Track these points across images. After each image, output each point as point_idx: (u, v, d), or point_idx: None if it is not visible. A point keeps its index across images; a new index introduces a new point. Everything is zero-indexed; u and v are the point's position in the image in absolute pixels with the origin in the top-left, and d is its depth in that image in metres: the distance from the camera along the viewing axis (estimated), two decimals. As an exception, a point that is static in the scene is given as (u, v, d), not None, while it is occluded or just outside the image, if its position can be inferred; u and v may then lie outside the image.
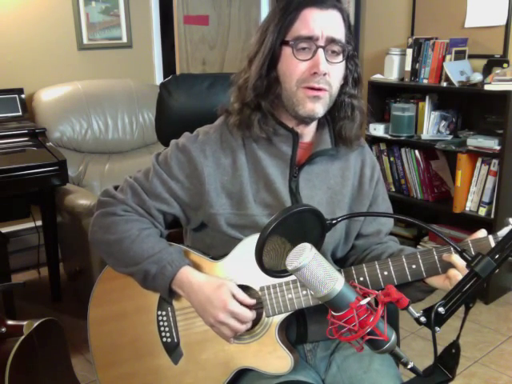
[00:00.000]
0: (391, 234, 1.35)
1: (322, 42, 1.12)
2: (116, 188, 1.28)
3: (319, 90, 1.14)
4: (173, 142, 1.27)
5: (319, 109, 1.16)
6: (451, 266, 1.04)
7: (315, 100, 1.14)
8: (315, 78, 1.12)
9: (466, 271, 0.99)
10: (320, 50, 1.12)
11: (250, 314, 1.13)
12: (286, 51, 1.14)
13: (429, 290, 1.12)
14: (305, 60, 1.12)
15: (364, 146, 1.31)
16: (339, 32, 1.14)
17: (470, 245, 1.03)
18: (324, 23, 1.12)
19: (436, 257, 1.06)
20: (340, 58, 1.15)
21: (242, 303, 1.13)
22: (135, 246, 1.19)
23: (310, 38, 1.11)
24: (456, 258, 1.02)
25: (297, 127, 1.21)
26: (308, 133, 1.24)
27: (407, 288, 1.11)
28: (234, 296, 1.13)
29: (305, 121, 1.20)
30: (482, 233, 1.06)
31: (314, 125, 1.24)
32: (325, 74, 1.12)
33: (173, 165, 1.22)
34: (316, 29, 1.11)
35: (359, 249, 1.29)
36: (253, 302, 1.14)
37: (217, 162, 1.21)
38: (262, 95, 1.17)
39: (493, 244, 1.02)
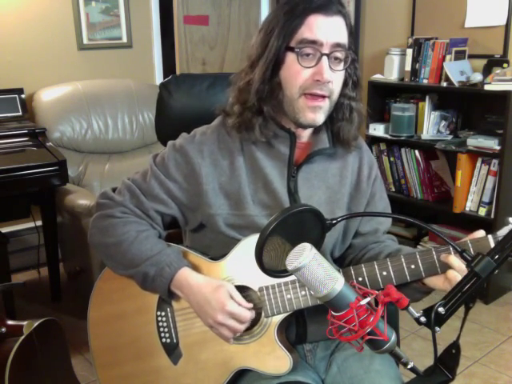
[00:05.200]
0: (391, 233, 1.35)
1: (326, 50, 1.12)
2: (114, 190, 1.27)
3: (321, 97, 1.14)
4: (170, 142, 1.27)
5: (320, 118, 1.16)
6: (450, 266, 1.03)
7: (316, 110, 1.15)
8: (318, 85, 1.12)
9: (465, 271, 0.99)
10: (324, 58, 1.11)
11: (248, 314, 1.13)
12: (290, 57, 1.14)
13: (426, 290, 1.12)
14: (309, 67, 1.12)
15: (362, 146, 1.31)
16: (343, 38, 1.14)
17: (470, 244, 1.03)
18: (329, 30, 1.11)
19: (435, 257, 1.06)
20: (342, 65, 1.15)
21: (239, 304, 1.13)
22: (133, 248, 1.19)
23: (314, 43, 1.11)
24: (453, 259, 1.02)
25: (295, 128, 1.21)
26: (306, 133, 1.24)
27: (405, 288, 1.11)
28: (232, 297, 1.13)
29: (304, 127, 1.20)
30: (480, 233, 1.06)
31: None
32: (328, 82, 1.13)
33: (170, 166, 1.22)
34: (321, 35, 1.11)
35: (357, 247, 1.29)
36: (249, 305, 1.14)
37: (214, 163, 1.21)
38: (264, 100, 1.17)
39: (492, 243, 1.02)
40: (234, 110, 1.20)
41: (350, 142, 1.24)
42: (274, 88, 1.16)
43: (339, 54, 1.13)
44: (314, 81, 1.12)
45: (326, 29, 1.11)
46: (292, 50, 1.13)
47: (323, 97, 1.14)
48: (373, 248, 1.27)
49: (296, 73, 1.13)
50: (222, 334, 1.14)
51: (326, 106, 1.16)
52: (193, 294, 1.15)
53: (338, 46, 1.12)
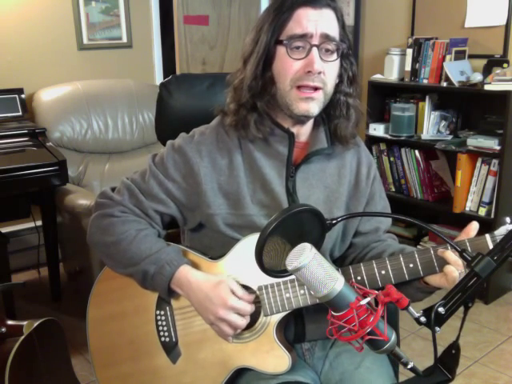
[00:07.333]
0: (391, 233, 1.35)
1: (315, 41, 1.12)
2: (113, 189, 1.28)
3: (314, 89, 1.14)
4: (169, 142, 1.27)
5: (314, 108, 1.16)
6: (447, 263, 1.03)
7: (309, 100, 1.14)
8: (310, 77, 1.12)
9: (461, 266, 1.00)
10: (314, 49, 1.12)
11: (249, 308, 1.13)
12: (281, 51, 1.14)
13: (428, 290, 1.12)
14: (299, 59, 1.13)
15: (360, 145, 1.31)
16: (333, 30, 1.14)
17: (467, 244, 1.03)
18: (318, 21, 1.12)
19: (433, 255, 1.06)
20: (334, 56, 1.15)
21: (240, 299, 1.13)
22: (133, 246, 1.19)
23: (304, 36, 1.11)
24: (450, 254, 1.02)
25: (292, 127, 1.21)
26: (304, 132, 1.24)
27: (406, 287, 1.11)
28: (233, 292, 1.13)
29: (300, 120, 1.20)
30: (473, 225, 1.06)
31: (309, 124, 1.24)
32: (319, 73, 1.12)
33: (169, 165, 1.22)
34: (310, 27, 1.11)
35: (358, 247, 1.29)
36: (251, 297, 1.14)
37: (213, 163, 1.21)
38: (257, 95, 1.17)
39: (490, 243, 1.03)
40: (230, 108, 1.21)
41: (348, 139, 1.24)
42: (266, 83, 1.17)
43: (329, 46, 1.13)
44: (306, 72, 1.12)
45: (315, 21, 1.12)
46: (281, 43, 1.13)
47: (316, 88, 1.14)
48: (375, 247, 1.27)
49: (287, 65, 1.13)
50: (222, 331, 1.14)
51: (319, 97, 1.15)
52: (193, 292, 1.16)
53: (327, 37, 1.12)
